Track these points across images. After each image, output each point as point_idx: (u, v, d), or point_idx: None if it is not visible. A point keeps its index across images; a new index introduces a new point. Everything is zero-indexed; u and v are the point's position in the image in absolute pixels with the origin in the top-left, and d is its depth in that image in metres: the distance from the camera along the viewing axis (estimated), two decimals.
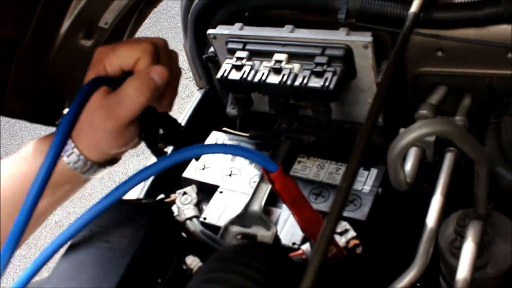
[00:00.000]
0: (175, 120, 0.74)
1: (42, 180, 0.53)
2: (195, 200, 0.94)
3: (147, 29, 3.41)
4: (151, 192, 1.07)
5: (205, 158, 1.03)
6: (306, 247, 0.81)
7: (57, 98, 0.86)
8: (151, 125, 0.69)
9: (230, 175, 1.00)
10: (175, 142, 0.74)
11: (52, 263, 0.65)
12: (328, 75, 0.85)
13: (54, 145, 0.54)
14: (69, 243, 0.65)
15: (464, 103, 0.87)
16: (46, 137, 0.70)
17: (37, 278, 0.62)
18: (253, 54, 0.93)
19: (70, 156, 0.65)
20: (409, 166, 0.74)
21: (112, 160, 0.71)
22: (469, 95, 0.88)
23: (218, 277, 0.61)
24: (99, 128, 0.63)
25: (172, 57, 0.70)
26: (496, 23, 0.79)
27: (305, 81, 0.86)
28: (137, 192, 1.06)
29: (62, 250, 0.65)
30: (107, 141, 0.65)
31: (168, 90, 0.68)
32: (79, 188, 0.72)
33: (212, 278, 0.61)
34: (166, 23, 3.46)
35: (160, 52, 0.66)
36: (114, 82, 0.63)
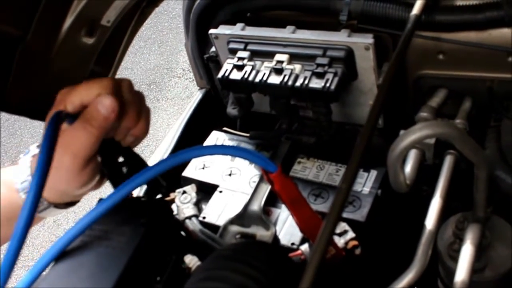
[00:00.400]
0: (137, 156, 0.72)
1: (23, 228, 0.53)
2: (194, 199, 0.94)
3: (148, 29, 3.41)
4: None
5: (205, 157, 1.03)
6: (305, 247, 0.81)
7: None
8: (115, 163, 0.68)
9: (230, 174, 1.00)
10: None
11: None
12: (329, 76, 0.85)
13: (31, 194, 0.54)
14: None
15: (464, 106, 0.87)
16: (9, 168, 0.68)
17: None
18: (254, 54, 0.93)
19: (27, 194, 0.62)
20: (408, 168, 0.74)
21: (70, 203, 0.71)
22: (470, 98, 0.88)
23: (217, 275, 0.61)
24: (57, 166, 0.60)
25: (138, 96, 0.68)
26: (497, 26, 0.79)
27: (306, 81, 0.86)
28: (136, 190, 1.06)
29: None
30: (66, 180, 0.64)
31: (134, 126, 0.67)
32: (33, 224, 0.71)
33: (211, 276, 0.61)
34: (167, 24, 3.46)
35: (123, 89, 0.65)
36: (75, 119, 0.63)
